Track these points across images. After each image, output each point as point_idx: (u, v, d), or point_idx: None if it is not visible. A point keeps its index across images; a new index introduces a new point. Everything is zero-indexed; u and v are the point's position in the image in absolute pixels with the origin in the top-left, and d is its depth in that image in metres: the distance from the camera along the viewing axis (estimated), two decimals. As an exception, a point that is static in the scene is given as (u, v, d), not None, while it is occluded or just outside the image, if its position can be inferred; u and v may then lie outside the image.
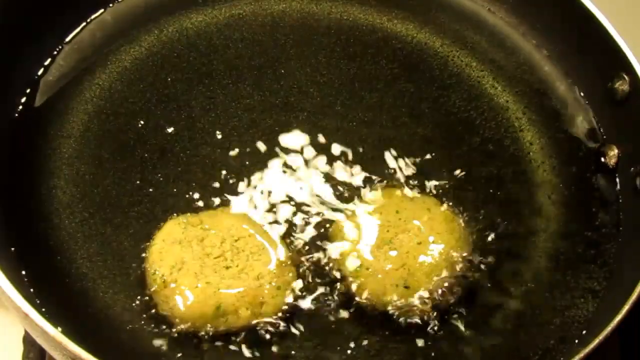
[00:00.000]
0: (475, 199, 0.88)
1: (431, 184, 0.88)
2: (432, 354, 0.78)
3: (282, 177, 0.87)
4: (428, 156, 0.90)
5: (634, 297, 0.76)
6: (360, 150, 0.90)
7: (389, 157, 0.90)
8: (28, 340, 0.89)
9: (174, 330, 0.77)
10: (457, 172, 0.90)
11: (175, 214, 0.83)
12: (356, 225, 0.82)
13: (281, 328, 0.77)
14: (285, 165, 0.88)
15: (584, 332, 0.81)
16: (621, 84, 0.92)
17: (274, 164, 0.88)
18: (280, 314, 0.78)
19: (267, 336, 0.77)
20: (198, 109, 0.92)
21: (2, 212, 0.82)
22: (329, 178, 0.88)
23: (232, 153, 0.89)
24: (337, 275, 0.81)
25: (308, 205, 0.85)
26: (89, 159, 0.87)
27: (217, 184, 0.86)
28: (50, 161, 0.87)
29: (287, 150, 0.90)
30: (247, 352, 0.76)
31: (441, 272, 0.80)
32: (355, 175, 0.88)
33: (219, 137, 0.90)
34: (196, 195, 0.85)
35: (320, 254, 0.82)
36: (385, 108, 0.95)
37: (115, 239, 0.82)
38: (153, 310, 0.77)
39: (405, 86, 0.97)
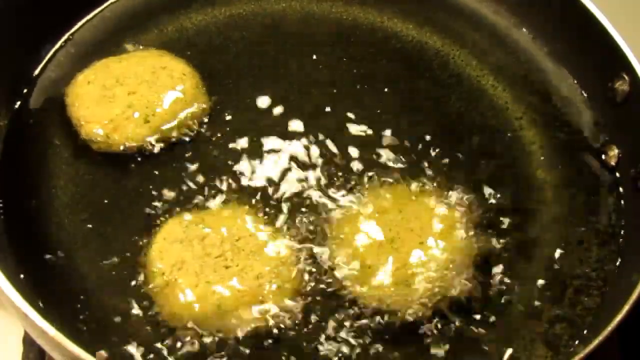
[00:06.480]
0: (476, 198, 0.87)
1: (432, 183, 0.88)
2: (433, 353, 0.78)
3: (281, 177, 0.87)
4: (428, 156, 0.90)
5: (634, 297, 0.76)
6: (361, 149, 0.90)
7: (389, 156, 0.90)
8: (28, 341, 0.89)
9: (173, 329, 0.76)
10: (458, 171, 0.90)
11: (176, 213, 0.83)
12: (357, 224, 0.82)
13: (281, 327, 0.77)
14: (285, 164, 0.88)
15: (584, 332, 0.81)
16: (621, 84, 0.92)
17: (274, 164, 0.88)
18: (280, 314, 0.78)
19: (267, 335, 0.77)
20: (198, 109, 0.92)
21: (2, 213, 0.82)
22: (329, 177, 0.88)
23: (232, 152, 0.89)
24: (338, 274, 0.81)
25: (308, 204, 0.85)
26: (89, 159, 0.87)
27: (217, 184, 0.86)
28: (50, 161, 0.87)
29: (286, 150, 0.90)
30: (247, 351, 0.76)
31: (442, 271, 0.80)
32: (356, 175, 0.88)
33: (219, 136, 0.90)
34: (197, 195, 0.85)
35: (321, 253, 0.82)
36: (385, 108, 0.95)
37: (115, 239, 0.82)
38: (153, 310, 0.77)
39: (405, 86, 0.97)
